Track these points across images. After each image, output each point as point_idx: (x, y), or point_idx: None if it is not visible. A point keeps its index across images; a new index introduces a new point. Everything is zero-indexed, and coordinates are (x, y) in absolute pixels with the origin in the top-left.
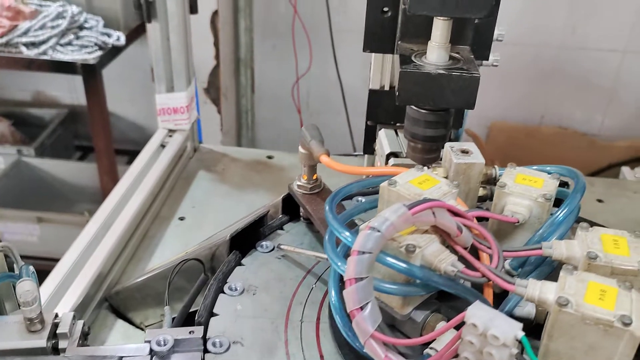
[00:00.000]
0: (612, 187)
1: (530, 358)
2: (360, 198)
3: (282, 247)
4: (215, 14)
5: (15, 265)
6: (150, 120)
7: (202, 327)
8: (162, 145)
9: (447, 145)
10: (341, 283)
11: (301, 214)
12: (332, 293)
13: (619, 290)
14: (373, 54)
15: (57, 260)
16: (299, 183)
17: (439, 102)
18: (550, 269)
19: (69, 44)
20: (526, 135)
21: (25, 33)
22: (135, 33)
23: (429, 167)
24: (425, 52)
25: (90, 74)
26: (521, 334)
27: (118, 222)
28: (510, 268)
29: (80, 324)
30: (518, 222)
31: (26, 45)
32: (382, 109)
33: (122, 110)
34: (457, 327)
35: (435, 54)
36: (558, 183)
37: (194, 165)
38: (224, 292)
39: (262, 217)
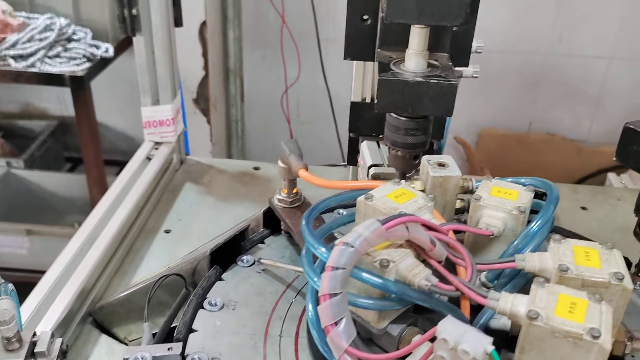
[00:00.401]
0: (596, 194)
1: None
2: (341, 211)
3: (262, 261)
4: (203, 24)
5: None
6: (141, 130)
7: (181, 343)
8: (148, 158)
9: (424, 158)
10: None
11: (282, 227)
12: (310, 307)
13: (589, 303)
14: (354, 66)
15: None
16: (279, 197)
17: (418, 110)
18: (524, 281)
19: (57, 56)
20: (515, 141)
21: (13, 45)
22: (124, 44)
23: (407, 179)
24: (404, 60)
25: (79, 85)
26: (491, 348)
27: (103, 235)
28: (486, 280)
29: (58, 342)
30: (493, 234)
31: (14, 57)
32: (364, 121)
33: (111, 120)
34: (433, 340)
35: (413, 61)
36: (532, 195)
37: (180, 178)
38: (204, 308)
39: (243, 231)
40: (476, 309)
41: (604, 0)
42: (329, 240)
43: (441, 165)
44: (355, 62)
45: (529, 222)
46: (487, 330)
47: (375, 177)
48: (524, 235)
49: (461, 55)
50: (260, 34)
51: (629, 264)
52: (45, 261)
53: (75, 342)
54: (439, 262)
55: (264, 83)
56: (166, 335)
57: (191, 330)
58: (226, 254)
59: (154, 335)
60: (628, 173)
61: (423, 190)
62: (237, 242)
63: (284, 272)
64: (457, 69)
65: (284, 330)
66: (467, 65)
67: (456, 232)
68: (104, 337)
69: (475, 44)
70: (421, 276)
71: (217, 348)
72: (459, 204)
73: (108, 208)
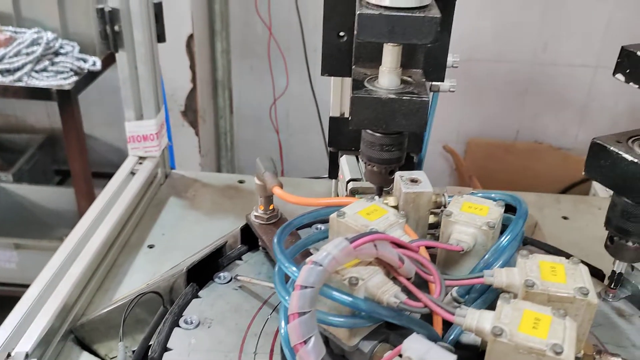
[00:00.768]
0: (578, 203)
1: None
2: (319, 225)
3: (239, 278)
4: (190, 37)
5: None
6: None
7: None
8: (132, 173)
9: (397, 174)
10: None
11: (260, 243)
12: (282, 325)
13: (553, 318)
14: (332, 82)
15: None
16: (255, 214)
17: (391, 126)
18: (494, 296)
19: (45, 70)
20: (503, 150)
21: (0, 60)
22: (112, 57)
23: (381, 195)
24: (378, 77)
25: (66, 99)
26: None
27: (85, 251)
28: (458, 295)
29: None
30: (463, 250)
31: (1, 72)
32: (343, 135)
33: (101, 133)
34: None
35: (387, 78)
36: (503, 210)
37: (164, 192)
38: (179, 326)
39: (221, 248)
40: (449, 323)
41: (589, 9)
42: (306, 255)
43: (414, 181)
44: (333, 77)
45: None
46: (458, 345)
47: (354, 191)
48: (494, 249)
49: (437, 71)
50: (248, 46)
51: (602, 276)
52: (33, 275)
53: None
54: (409, 279)
55: (253, 94)
56: (144, 354)
57: (166, 349)
58: (203, 271)
59: (133, 351)
60: None
61: (396, 206)
62: (214, 259)
63: (261, 289)
64: (434, 83)
65: (258, 348)
66: (442, 80)
67: (428, 247)
68: (85, 355)
69: (451, 59)
70: (390, 293)
71: None
72: (432, 219)
73: (91, 224)
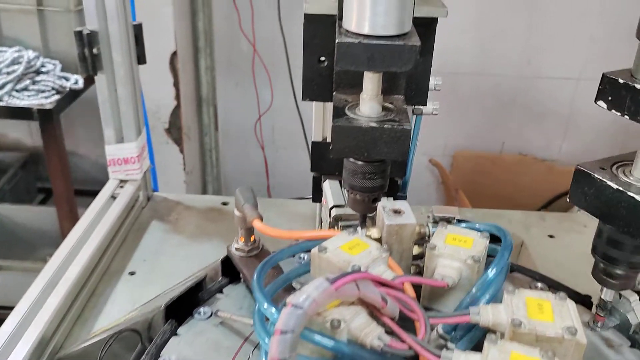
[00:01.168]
0: (563, 221)
1: None
2: (302, 255)
3: (219, 314)
4: (174, 55)
5: None
6: None
7: None
8: (113, 197)
9: (380, 205)
10: None
11: (242, 275)
12: None
13: None
14: (314, 107)
15: None
16: (236, 246)
17: (373, 154)
18: (481, 333)
19: (26, 89)
20: (489, 163)
21: None
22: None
23: (365, 222)
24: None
25: (48, 119)
26: None
27: (64, 280)
28: (444, 332)
29: None
30: (448, 285)
31: None
32: (326, 161)
33: (85, 150)
34: None
35: (368, 106)
36: (487, 241)
37: (146, 215)
38: None
39: (201, 281)
40: None
41: (572, 22)
42: (288, 290)
43: (397, 212)
44: (314, 102)
45: (487, 265)
46: None
47: (337, 218)
48: (481, 283)
49: (419, 95)
50: (232, 62)
51: (589, 303)
52: (16, 297)
53: None
54: (393, 319)
55: (238, 111)
56: None
57: None
58: (183, 305)
59: None
60: None
61: (379, 239)
62: (194, 293)
63: (242, 325)
64: (416, 107)
65: None
66: (425, 104)
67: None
68: None
69: (433, 82)
70: (373, 335)
71: None
72: (417, 250)
73: (70, 250)
